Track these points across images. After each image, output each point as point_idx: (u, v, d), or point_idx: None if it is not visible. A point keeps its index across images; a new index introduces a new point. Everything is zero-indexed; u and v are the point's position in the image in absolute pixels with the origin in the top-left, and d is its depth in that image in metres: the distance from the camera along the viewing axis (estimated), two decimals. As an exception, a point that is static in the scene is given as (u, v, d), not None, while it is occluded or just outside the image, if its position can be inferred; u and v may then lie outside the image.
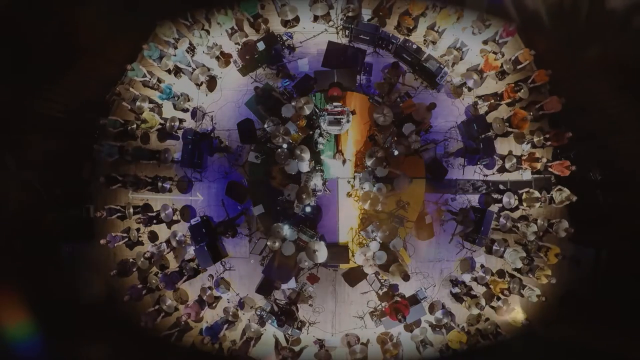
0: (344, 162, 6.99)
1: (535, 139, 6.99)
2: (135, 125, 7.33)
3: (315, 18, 7.71)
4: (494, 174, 7.48)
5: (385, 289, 6.84)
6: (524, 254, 6.79)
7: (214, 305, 7.27)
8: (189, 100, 7.67)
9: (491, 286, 7.01)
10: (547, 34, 6.60)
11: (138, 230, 7.36)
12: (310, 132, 6.91)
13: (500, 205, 7.22)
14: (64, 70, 6.55)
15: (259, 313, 6.85)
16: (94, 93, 7.70)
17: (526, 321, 6.76)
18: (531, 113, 6.94)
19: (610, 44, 5.73)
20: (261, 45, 7.21)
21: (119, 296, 6.88)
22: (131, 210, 7.23)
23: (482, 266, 7.26)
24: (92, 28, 6.18)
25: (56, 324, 5.26)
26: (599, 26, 5.67)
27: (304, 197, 6.46)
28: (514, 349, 6.41)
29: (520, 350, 6.10)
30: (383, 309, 6.78)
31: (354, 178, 7.09)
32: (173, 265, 7.52)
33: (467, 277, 7.24)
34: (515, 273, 7.11)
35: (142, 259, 7.05)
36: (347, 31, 7.47)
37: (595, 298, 6.23)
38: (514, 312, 6.95)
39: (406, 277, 6.29)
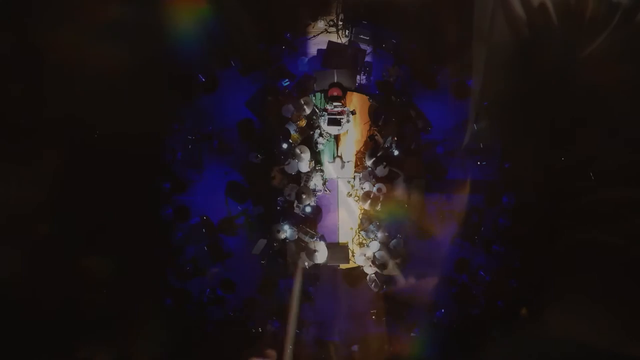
0: (342, 166, 7.01)
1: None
2: None
3: (315, 17, 7.69)
4: (494, 173, 7.49)
5: (385, 290, 6.86)
6: None
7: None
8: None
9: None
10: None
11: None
12: (311, 132, 6.92)
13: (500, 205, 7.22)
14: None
15: (260, 312, 6.85)
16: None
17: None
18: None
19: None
20: (262, 46, 7.20)
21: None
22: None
23: (481, 266, 7.28)
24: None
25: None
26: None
27: (304, 197, 6.48)
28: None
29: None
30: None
31: (354, 178, 7.11)
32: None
33: (465, 277, 7.24)
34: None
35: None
36: (347, 31, 7.47)
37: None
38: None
39: None
